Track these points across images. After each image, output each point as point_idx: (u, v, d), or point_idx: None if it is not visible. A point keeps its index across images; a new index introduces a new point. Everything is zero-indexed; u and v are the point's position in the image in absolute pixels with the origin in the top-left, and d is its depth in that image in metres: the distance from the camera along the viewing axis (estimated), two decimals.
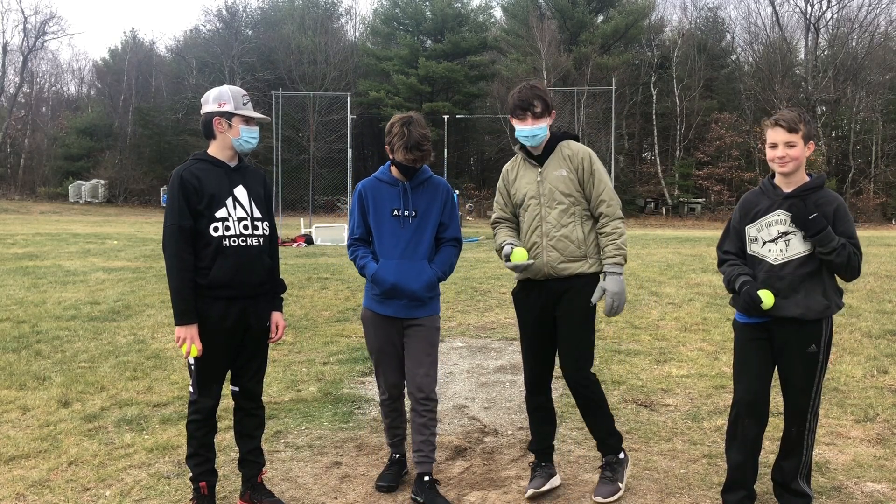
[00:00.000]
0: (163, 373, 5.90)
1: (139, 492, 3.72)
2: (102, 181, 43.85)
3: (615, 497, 3.63)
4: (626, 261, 3.66)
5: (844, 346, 6.63)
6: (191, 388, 3.44)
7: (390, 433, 3.92)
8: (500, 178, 3.91)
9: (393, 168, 3.71)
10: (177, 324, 3.31)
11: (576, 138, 3.81)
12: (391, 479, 3.77)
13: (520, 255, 3.65)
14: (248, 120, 3.45)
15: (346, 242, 3.87)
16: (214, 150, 3.46)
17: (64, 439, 4.42)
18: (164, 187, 42.08)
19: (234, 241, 3.38)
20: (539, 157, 3.73)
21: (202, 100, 3.51)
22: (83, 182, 43.87)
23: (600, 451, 3.79)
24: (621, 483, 3.69)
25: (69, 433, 4.53)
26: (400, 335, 3.73)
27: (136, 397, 5.26)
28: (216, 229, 3.35)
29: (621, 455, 3.76)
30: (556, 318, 3.71)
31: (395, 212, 3.67)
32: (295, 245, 18.77)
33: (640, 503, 3.61)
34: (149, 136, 45.35)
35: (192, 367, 3.39)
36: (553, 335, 3.77)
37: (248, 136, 3.45)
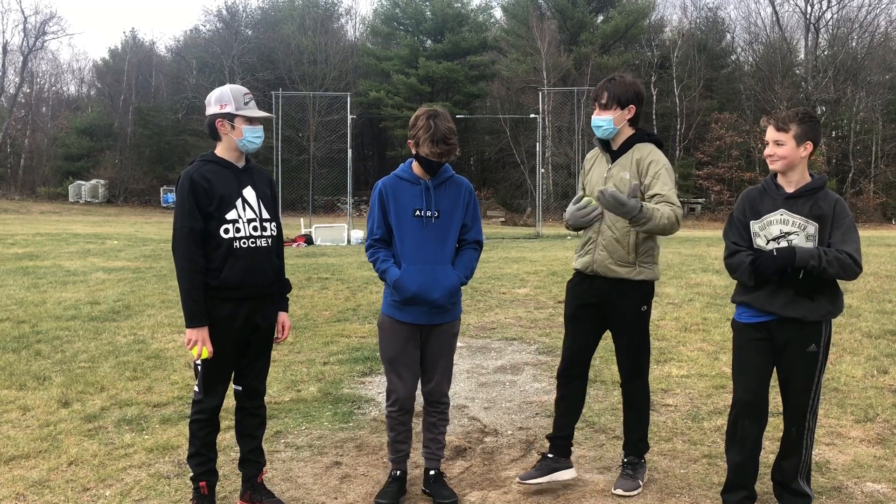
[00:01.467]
0: (163, 373, 5.90)
1: (139, 492, 3.72)
2: (102, 181, 43.81)
3: (635, 493, 3.67)
4: (654, 219, 3.41)
5: (844, 346, 6.63)
6: (195, 388, 3.44)
7: (393, 448, 3.73)
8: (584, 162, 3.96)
9: (415, 165, 3.58)
10: (187, 326, 3.30)
11: (659, 143, 3.74)
12: (391, 497, 3.63)
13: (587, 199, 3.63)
14: (250, 120, 3.41)
15: (364, 242, 3.75)
16: (221, 150, 3.44)
17: (64, 439, 4.42)
18: (164, 187, 42.10)
19: (244, 243, 3.38)
20: (615, 152, 3.71)
21: (206, 101, 3.49)
22: (83, 182, 43.83)
23: (625, 450, 3.85)
24: (641, 482, 3.74)
25: (69, 433, 4.53)
26: (418, 342, 3.64)
27: (136, 397, 5.26)
28: (227, 231, 3.34)
29: (643, 460, 3.84)
30: (609, 323, 3.77)
31: (418, 212, 3.54)
32: (295, 245, 18.77)
33: (640, 503, 3.61)
34: (149, 136, 45.32)
35: (199, 367, 3.39)
36: (595, 329, 3.82)
37: (251, 137, 3.42)
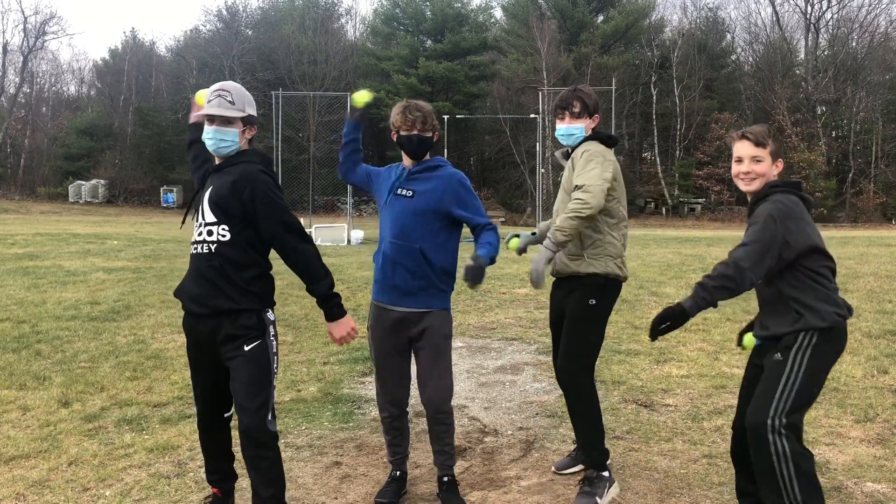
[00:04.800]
0: (163, 373, 5.90)
1: (139, 492, 3.72)
2: (102, 181, 43.80)
3: None
4: (563, 238, 3.40)
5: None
6: None
7: (391, 450, 3.72)
8: None
9: (404, 157, 3.62)
10: None
11: (609, 137, 3.73)
12: (391, 496, 3.60)
13: (513, 243, 3.91)
14: (210, 119, 3.08)
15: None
16: None
17: (64, 439, 4.42)
18: (164, 187, 42.16)
19: (193, 248, 3.15)
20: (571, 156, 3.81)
21: None
22: (83, 182, 43.82)
23: (583, 463, 3.77)
24: (600, 500, 3.51)
25: (69, 433, 4.53)
26: (405, 342, 3.52)
27: (136, 397, 5.26)
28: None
29: (605, 473, 3.60)
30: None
31: (399, 190, 3.53)
32: None
33: (640, 503, 3.61)
34: (149, 136, 45.30)
35: None
36: None
37: (206, 136, 3.10)
